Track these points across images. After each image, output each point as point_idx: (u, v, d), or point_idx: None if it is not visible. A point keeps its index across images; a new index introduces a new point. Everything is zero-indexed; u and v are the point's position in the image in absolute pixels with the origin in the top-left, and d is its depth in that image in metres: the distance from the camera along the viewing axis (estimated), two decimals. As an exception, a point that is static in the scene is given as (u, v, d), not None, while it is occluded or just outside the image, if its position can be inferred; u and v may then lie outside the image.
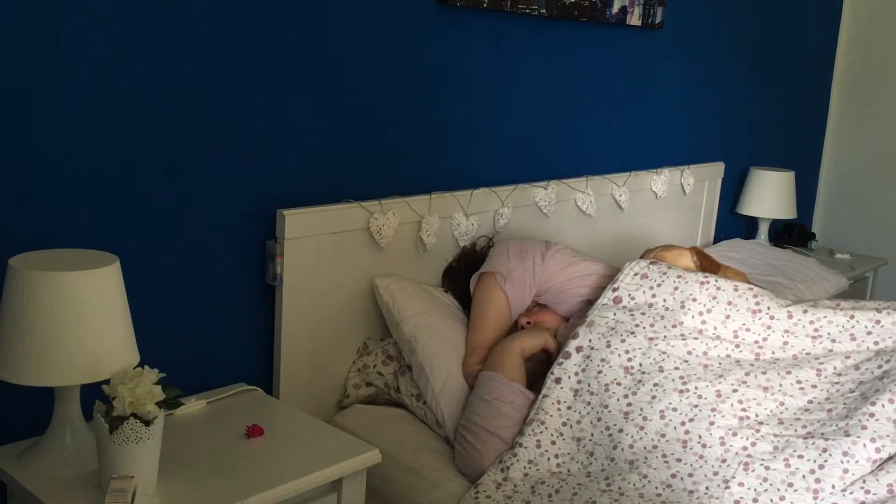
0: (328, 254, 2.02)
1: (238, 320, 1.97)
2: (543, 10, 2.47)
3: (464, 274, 2.26)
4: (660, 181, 3.00)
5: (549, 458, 1.78)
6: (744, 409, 1.74)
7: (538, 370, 2.01)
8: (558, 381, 1.88)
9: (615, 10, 2.72)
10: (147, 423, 1.37)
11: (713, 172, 3.33)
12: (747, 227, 3.81)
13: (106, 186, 1.70)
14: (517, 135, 2.57)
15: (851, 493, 1.57)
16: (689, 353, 1.86)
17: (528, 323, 2.10)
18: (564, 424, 1.82)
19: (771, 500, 1.60)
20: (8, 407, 1.63)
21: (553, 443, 1.80)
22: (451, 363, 2.01)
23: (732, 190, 3.65)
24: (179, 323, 1.87)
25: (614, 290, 2.02)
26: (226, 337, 1.96)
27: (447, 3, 2.22)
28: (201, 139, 1.83)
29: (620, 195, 2.83)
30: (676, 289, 1.98)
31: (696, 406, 1.75)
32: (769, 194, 3.54)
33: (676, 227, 3.21)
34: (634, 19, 2.80)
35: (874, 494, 1.55)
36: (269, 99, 1.93)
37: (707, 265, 2.16)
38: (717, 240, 3.48)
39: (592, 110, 2.81)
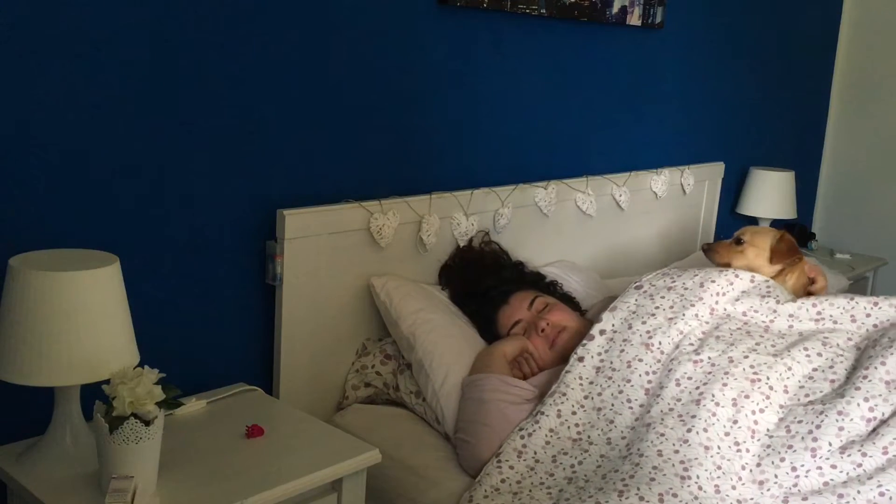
0: (328, 254, 2.02)
1: (238, 320, 1.97)
2: (543, 10, 2.47)
3: (460, 272, 2.27)
4: (660, 181, 3.00)
5: (569, 427, 1.82)
6: (755, 373, 1.79)
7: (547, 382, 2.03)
8: (581, 359, 1.93)
9: (615, 10, 2.71)
10: (147, 423, 1.37)
11: (713, 172, 3.33)
12: (747, 227, 3.81)
13: (106, 186, 1.70)
14: (517, 135, 2.57)
15: (849, 455, 1.63)
16: (704, 332, 1.94)
17: (547, 324, 2.10)
18: (586, 398, 1.87)
19: (773, 463, 1.66)
20: (8, 407, 1.63)
21: (574, 413, 1.84)
22: (450, 359, 2.01)
23: (732, 190, 3.65)
24: (179, 323, 1.87)
25: (637, 283, 2.09)
26: (226, 337, 1.96)
27: (447, 3, 2.22)
28: (201, 139, 1.83)
29: (620, 195, 2.83)
30: (696, 275, 2.06)
31: (709, 373, 1.81)
32: (769, 194, 3.54)
33: (676, 227, 3.21)
34: (634, 19, 2.80)
35: (871, 457, 1.62)
36: (270, 99, 1.93)
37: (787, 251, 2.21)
38: (716, 240, 3.47)
39: (592, 110, 2.81)
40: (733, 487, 1.64)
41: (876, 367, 1.75)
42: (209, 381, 1.90)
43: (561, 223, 2.65)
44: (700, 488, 1.61)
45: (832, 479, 1.62)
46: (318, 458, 1.60)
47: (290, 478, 1.53)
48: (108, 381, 1.39)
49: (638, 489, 1.59)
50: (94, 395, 1.45)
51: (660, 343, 1.90)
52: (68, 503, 1.41)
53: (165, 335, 1.83)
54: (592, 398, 1.87)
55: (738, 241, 2.23)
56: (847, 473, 1.61)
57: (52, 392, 1.51)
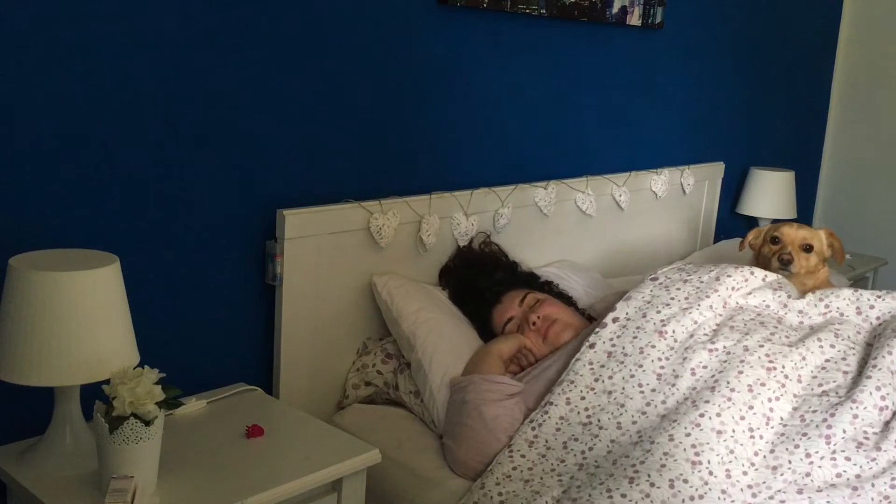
0: (328, 254, 2.02)
1: (238, 320, 1.97)
2: (543, 10, 2.47)
3: (458, 273, 2.27)
4: (660, 181, 3.00)
5: (578, 412, 1.83)
6: (770, 361, 1.81)
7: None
8: (592, 346, 1.94)
9: (615, 10, 2.71)
10: (147, 423, 1.37)
11: (713, 172, 3.33)
12: (747, 227, 3.80)
13: (106, 186, 1.70)
14: (517, 135, 2.57)
15: (864, 449, 1.65)
16: (718, 323, 1.96)
17: (538, 318, 2.11)
18: (596, 381, 1.87)
19: (787, 449, 1.67)
20: (8, 407, 1.63)
21: (583, 398, 1.85)
22: (449, 359, 2.02)
23: (732, 190, 3.65)
24: (179, 323, 1.87)
25: (652, 276, 2.12)
26: (226, 337, 1.96)
27: (447, 3, 2.22)
28: (201, 139, 1.83)
29: (620, 195, 2.83)
30: (712, 270, 2.09)
31: (724, 361, 1.82)
32: (769, 194, 3.54)
33: (676, 227, 3.21)
34: (634, 19, 2.80)
35: (885, 451, 1.63)
36: (269, 99, 1.93)
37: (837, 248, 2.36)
38: (717, 240, 3.47)
39: (592, 110, 2.81)
40: (745, 473, 1.64)
41: (883, 357, 1.78)
42: (209, 381, 1.90)
43: (561, 223, 2.66)
44: (711, 473, 1.62)
45: (846, 471, 1.63)
46: (318, 458, 1.60)
47: (290, 478, 1.53)
48: (108, 381, 1.39)
49: (649, 476, 1.60)
50: (94, 395, 1.45)
51: (673, 331, 1.91)
52: (68, 503, 1.41)
53: (165, 335, 1.83)
54: (603, 381, 1.86)
55: (807, 249, 2.31)
56: (860, 466, 1.63)
57: (52, 392, 1.51)
